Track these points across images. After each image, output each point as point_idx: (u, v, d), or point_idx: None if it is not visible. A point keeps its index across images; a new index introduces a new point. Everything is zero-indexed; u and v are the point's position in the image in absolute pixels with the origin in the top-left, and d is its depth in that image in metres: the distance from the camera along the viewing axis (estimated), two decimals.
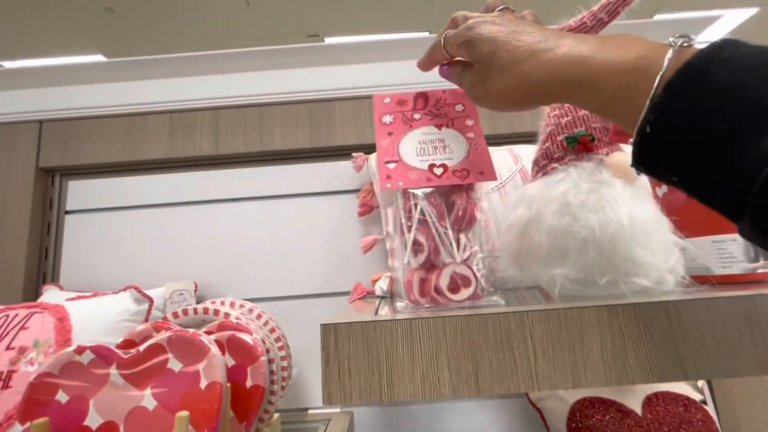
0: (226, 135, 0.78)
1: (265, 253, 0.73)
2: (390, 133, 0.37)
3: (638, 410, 0.58)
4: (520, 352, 0.25)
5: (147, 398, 0.36)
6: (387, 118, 0.38)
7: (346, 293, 0.69)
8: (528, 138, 0.52)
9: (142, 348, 0.38)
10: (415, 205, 0.34)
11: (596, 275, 0.29)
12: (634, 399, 0.59)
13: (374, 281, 0.62)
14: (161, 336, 0.38)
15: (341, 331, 0.25)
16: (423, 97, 0.39)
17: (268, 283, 0.72)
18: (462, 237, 0.34)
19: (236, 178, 0.77)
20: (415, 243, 0.34)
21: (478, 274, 0.33)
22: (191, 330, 0.39)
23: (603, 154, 0.32)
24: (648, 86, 0.20)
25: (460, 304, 0.32)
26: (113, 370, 0.36)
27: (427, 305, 0.32)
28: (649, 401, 0.58)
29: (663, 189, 0.40)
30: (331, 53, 0.79)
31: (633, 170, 0.29)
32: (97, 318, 0.54)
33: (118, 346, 0.43)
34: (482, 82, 0.27)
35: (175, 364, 0.37)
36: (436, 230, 0.33)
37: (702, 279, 0.37)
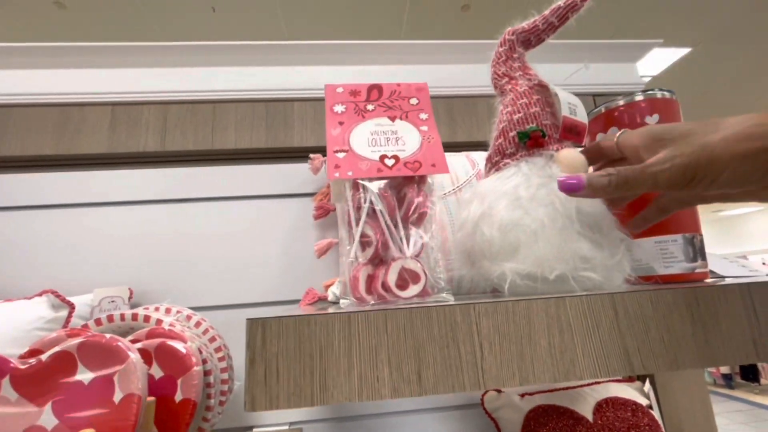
0: (174, 131, 0.73)
1: (212, 259, 0.68)
2: (341, 123, 0.35)
3: (589, 417, 0.58)
4: (466, 347, 0.23)
5: (46, 415, 0.30)
6: (339, 108, 0.36)
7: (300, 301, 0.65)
8: (485, 146, 0.53)
9: (45, 357, 0.33)
10: (365, 197, 0.32)
11: (546, 269, 0.28)
12: (585, 406, 0.59)
13: (327, 286, 0.59)
14: (70, 343, 0.33)
15: (270, 326, 0.22)
16: (377, 89, 0.38)
17: (216, 290, 0.66)
18: (413, 231, 0.32)
19: (183, 176, 0.72)
20: (363, 236, 0.31)
21: (428, 270, 0.31)
22: (108, 335, 0.34)
23: (553, 150, 0.32)
24: None
25: (409, 300, 0.30)
26: (5, 383, 0.31)
27: (373, 302, 0.30)
28: (600, 407, 0.59)
29: None
30: (291, 52, 0.77)
31: (582, 165, 0.29)
32: (4, 325, 0.47)
33: (21, 356, 0.37)
34: None
35: (84, 375, 0.32)
36: (386, 223, 0.31)
37: (646, 278, 0.37)
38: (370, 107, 0.36)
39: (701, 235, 0.38)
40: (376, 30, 2.73)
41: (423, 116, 0.36)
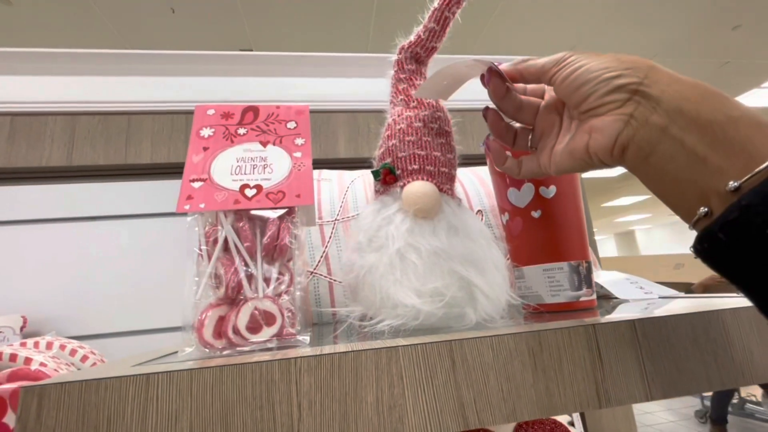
0: (83, 144, 0.68)
1: (117, 282, 0.63)
2: (205, 148, 0.33)
3: None
4: (282, 408, 0.21)
5: None
6: (206, 132, 0.34)
7: None
8: None
9: None
10: (220, 230, 0.30)
11: (372, 313, 0.27)
12: (506, 427, 0.59)
13: None
14: None
15: (49, 395, 0.20)
16: (253, 111, 0.36)
17: (119, 315, 0.62)
18: (274, 268, 0.30)
19: (92, 192, 0.67)
20: (216, 275, 0.29)
21: (286, 310, 0.29)
22: None
23: (399, 187, 0.31)
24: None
25: (263, 344, 0.28)
26: None
27: (221, 348, 0.27)
28: (519, 428, 0.58)
29: (505, 216, 0.40)
30: (218, 62, 0.74)
31: (425, 197, 0.28)
32: None
33: None
34: None
35: None
36: (241, 260, 0.29)
37: (534, 308, 0.37)
38: (241, 131, 0.34)
39: (588, 262, 0.37)
40: (340, 41, 2.70)
41: (299, 141, 0.34)
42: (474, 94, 0.81)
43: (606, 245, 11.90)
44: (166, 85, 0.71)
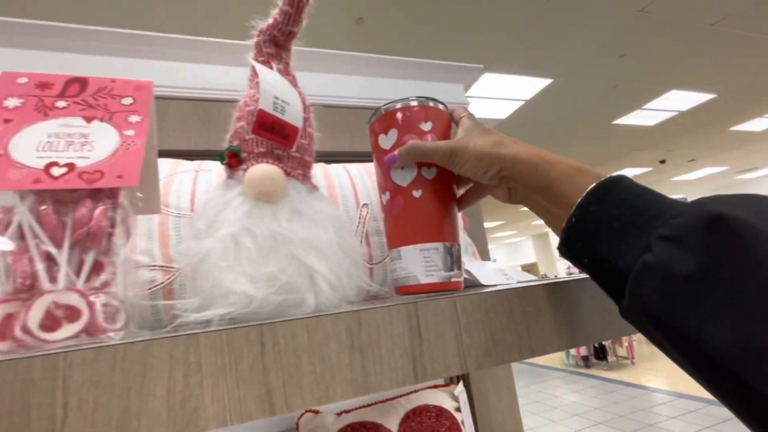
0: None
1: None
2: (7, 120, 0.28)
3: (395, 429, 0.58)
4: (42, 410, 0.18)
5: None
6: (12, 102, 0.29)
7: None
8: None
9: None
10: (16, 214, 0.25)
11: (206, 303, 0.25)
12: (395, 418, 0.60)
13: None
14: None
15: None
16: (80, 83, 0.31)
17: None
18: (88, 257, 0.27)
19: None
20: (5, 266, 0.25)
21: (102, 304, 0.26)
22: None
23: (243, 170, 0.30)
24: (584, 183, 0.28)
25: (64, 343, 0.24)
26: None
27: (5, 351, 0.23)
28: (407, 418, 0.60)
29: (386, 196, 0.40)
30: (113, 41, 0.66)
31: (268, 180, 0.27)
32: None
33: None
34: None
35: None
36: (39, 249, 0.25)
37: (407, 290, 0.36)
38: (61, 104, 0.30)
39: (459, 245, 0.39)
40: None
41: (134, 119, 0.31)
42: (368, 92, 0.82)
43: (525, 246, 13.02)
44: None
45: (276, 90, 0.29)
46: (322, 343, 0.23)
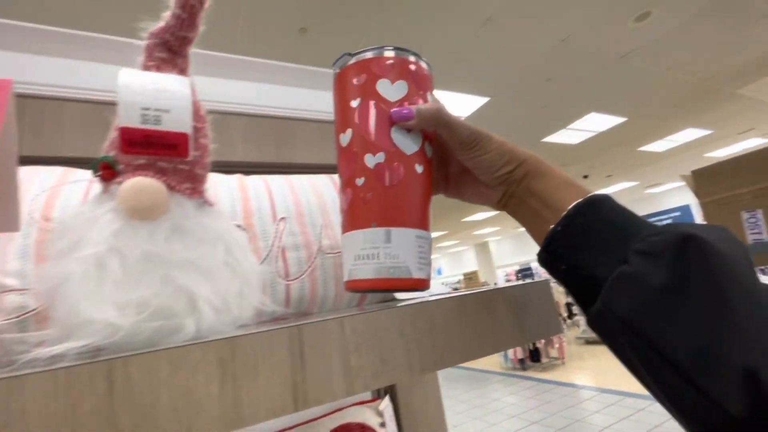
0: None
1: None
2: None
3: None
4: None
5: None
6: None
7: None
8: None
9: None
10: None
11: (64, 334, 0.22)
12: None
13: None
14: None
15: None
16: None
17: None
18: None
19: None
20: None
21: None
22: None
23: (117, 184, 0.27)
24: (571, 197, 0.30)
25: None
26: None
27: None
28: None
29: (379, 156, 0.31)
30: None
31: (149, 197, 0.25)
32: None
33: None
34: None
35: None
36: None
37: (391, 284, 0.30)
38: None
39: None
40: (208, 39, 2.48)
41: None
42: (295, 104, 0.81)
43: (467, 255, 13.58)
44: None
45: (145, 99, 0.27)
46: (187, 377, 0.21)
